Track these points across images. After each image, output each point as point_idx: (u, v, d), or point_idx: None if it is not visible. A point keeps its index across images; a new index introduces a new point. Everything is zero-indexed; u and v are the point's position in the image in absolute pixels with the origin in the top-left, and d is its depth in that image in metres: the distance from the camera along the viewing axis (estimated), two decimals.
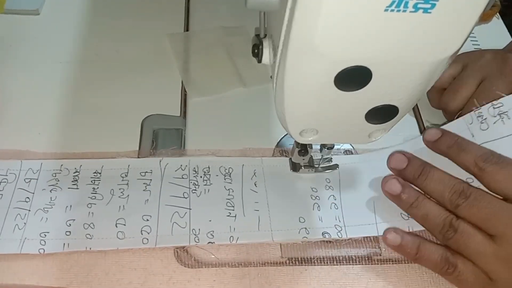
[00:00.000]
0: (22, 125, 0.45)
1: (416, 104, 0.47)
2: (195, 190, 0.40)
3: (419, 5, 0.21)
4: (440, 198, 0.36)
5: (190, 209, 0.39)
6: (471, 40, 0.56)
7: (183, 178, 0.41)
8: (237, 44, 0.53)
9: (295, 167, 0.42)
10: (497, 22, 0.58)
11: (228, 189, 0.41)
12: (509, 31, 0.57)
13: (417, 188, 0.38)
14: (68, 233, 0.37)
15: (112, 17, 0.56)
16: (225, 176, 0.42)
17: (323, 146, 0.39)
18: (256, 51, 0.30)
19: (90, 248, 0.36)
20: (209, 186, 0.41)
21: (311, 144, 0.39)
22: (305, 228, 0.39)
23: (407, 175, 0.38)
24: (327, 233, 0.38)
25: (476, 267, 0.34)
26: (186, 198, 0.40)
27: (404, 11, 0.21)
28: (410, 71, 0.25)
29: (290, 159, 0.42)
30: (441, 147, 0.38)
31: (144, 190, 0.40)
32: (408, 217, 0.39)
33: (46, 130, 0.44)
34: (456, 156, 0.37)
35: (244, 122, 0.46)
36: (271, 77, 0.29)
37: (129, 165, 0.42)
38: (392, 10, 0.21)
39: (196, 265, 0.37)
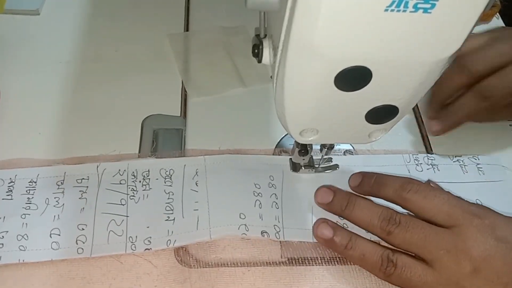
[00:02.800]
0: (21, 125, 0.45)
1: (416, 104, 0.47)
2: (133, 196, 0.39)
3: (419, 5, 0.21)
4: (370, 226, 0.36)
5: (127, 216, 0.38)
6: None
7: (121, 183, 0.40)
8: (237, 44, 0.53)
9: (295, 167, 0.42)
10: (497, 22, 0.57)
11: (168, 193, 0.40)
12: None
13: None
14: (0, 246, 0.36)
15: (112, 17, 0.56)
16: (165, 178, 0.40)
17: (323, 146, 0.39)
18: (256, 51, 0.30)
19: (23, 260, 0.35)
20: (148, 191, 0.40)
21: (311, 144, 0.39)
22: (245, 225, 0.38)
23: (334, 207, 0.39)
24: (266, 232, 0.38)
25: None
26: (123, 205, 0.39)
27: (404, 11, 0.21)
28: (410, 71, 0.25)
29: (291, 159, 0.42)
30: (365, 188, 0.39)
31: (80, 198, 0.39)
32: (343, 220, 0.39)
33: (46, 130, 0.44)
34: (379, 192, 0.38)
35: (244, 122, 0.46)
36: (271, 77, 0.29)
37: (65, 172, 0.40)
38: (392, 10, 0.21)
39: (196, 265, 0.37)
